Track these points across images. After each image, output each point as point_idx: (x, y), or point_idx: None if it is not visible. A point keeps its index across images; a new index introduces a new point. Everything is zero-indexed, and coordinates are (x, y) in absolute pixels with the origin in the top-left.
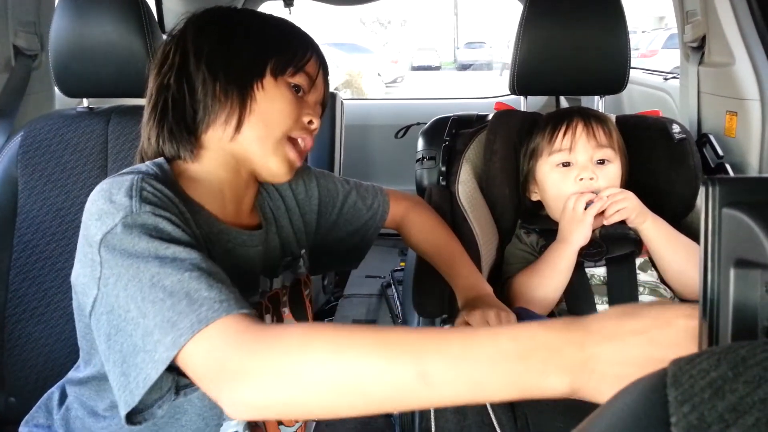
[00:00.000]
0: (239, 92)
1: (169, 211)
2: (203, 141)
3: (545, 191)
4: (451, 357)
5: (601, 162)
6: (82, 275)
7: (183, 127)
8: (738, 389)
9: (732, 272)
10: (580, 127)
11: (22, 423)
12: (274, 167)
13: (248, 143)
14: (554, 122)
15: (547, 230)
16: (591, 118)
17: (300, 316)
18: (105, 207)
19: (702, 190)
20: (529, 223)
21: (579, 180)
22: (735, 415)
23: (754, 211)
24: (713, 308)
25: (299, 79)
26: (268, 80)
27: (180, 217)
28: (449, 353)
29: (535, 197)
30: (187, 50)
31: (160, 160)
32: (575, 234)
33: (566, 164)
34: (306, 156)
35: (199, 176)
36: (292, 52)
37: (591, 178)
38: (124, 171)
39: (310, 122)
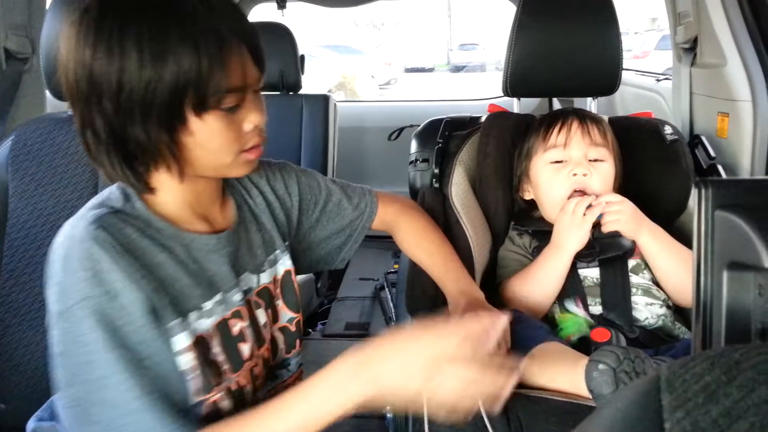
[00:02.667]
0: (167, 144)
1: (125, 271)
2: (153, 181)
3: (538, 188)
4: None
5: (595, 161)
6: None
7: (129, 169)
8: (732, 394)
9: (725, 274)
10: (575, 125)
11: (30, 419)
12: (236, 174)
13: (200, 179)
14: (549, 120)
15: (540, 231)
16: (586, 117)
17: (292, 306)
18: (62, 280)
19: (694, 193)
20: (521, 225)
21: (572, 175)
22: (729, 420)
23: (747, 213)
24: (706, 311)
25: (230, 100)
26: (193, 121)
27: (136, 268)
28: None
29: (528, 196)
30: (96, 85)
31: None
32: (571, 239)
33: (560, 161)
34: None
35: (159, 199)
36: (210, 71)
37: (585, 174)
38: (90, 206)
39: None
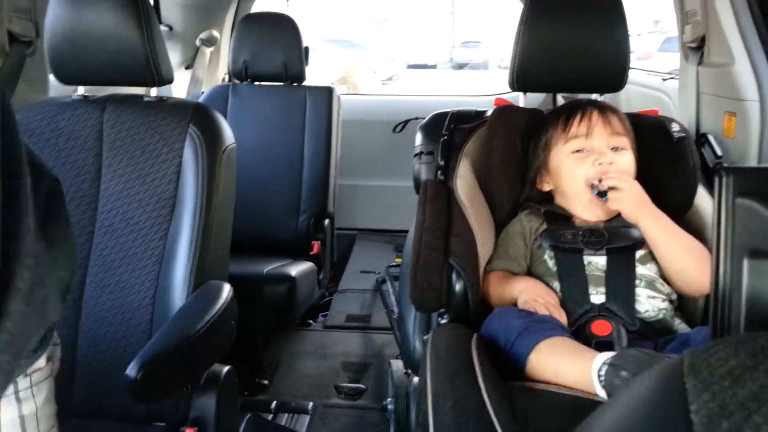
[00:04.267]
0: None
1: None
2: None
3: (560, 177)
4: None
5: (615, 149)
6: None
7: None
8: (759, 378)
9: (746, 262)
10: (595, 115)
11: None
12: None
13: None
14: (568, 112)
15: (552, 213)
16: (605, 107)
17: None
18: None
19: (716, 180)
20: (536, 202)
21: (598, 165)
22: (757, 404)
23: None
24: (725, 299)
25: None
26: None
27: None
28: None
29: (547, 187)
30: None
31: None
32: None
33: (581, 150)
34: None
35: None
36: None
37: (610, 163)
38: None
39: None
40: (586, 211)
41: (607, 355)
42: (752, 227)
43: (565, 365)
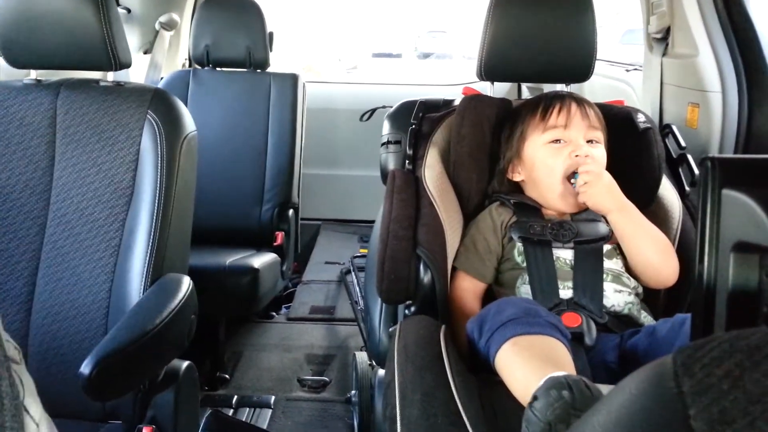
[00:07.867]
0: None
1: None
2: None
3: (535, 168)
4: None
5: (590, 142)
6: None
7: None
8: (760, 380)
9: (731, 256)
10: (574, 107)
11: None
12: None
13: None
14: (546, 103)
15: (522, 204)
16: (582, 100)
17: None
18: None
19: (701, 170)
20: (504, 194)
21: (574, 156)
22: (761, 408)
23: (756, 192)
24: (710, 293)
25: None
26: None
27: None
28: None
29: (518, 177)
30: None
31: None
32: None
33: (557, 141)
34: None
35: None
36: None
37: (586, 156)
38: None
39: None
40: (558, 201)
41: (556, 375)
42: (739, 219)
43: (519, 372)
